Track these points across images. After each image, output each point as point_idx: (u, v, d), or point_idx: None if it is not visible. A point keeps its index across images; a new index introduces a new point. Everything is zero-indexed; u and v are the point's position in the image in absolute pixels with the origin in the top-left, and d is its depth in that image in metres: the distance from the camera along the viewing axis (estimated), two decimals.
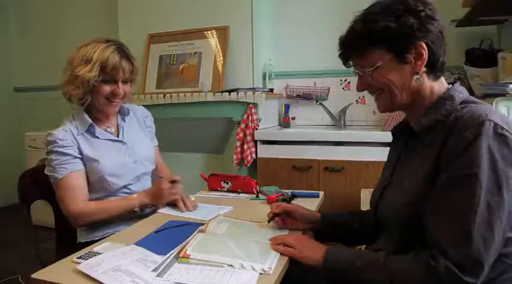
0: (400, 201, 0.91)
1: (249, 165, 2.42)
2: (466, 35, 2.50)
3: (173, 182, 1.39)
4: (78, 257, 0.96)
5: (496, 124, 0.78)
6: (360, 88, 0.99)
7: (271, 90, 2.82)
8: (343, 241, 1.20)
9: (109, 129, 1.50)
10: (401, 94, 0.92)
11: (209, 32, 2.73)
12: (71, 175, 1.36)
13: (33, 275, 0.88)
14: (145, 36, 2.86)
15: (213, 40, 2.72)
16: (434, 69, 0.91)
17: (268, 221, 1.17)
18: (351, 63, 0.98)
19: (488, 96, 1.82)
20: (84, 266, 0.89)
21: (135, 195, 1.39)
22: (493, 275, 0.78)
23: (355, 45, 0.94)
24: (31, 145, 3.35)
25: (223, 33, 2.68)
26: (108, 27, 3.45)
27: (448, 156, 0.81)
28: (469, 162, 0.76)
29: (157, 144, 1.70)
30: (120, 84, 1.41)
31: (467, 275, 0.72)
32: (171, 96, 2.56)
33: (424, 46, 0.87)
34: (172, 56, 2.78)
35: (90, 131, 1.44)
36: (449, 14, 2.39)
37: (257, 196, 1.55)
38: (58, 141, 1.37)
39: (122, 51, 1.40)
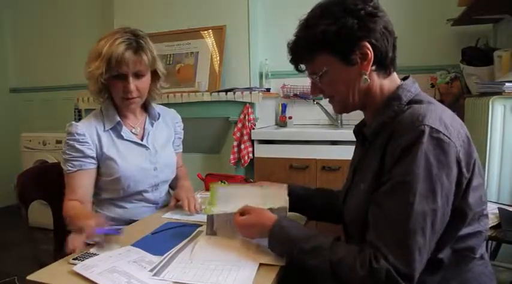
0: (358, 209, 0.92)
1: (246, 165, 2.41)
2: (462, 34, 2.51)
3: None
4: (74, 258, 0.95)
5: (431, 128, 0.77)
6: (312, 93, 1.00)
7: (268, 89, 2.82)
8: (305, 214, 1.25)
9: (134, 130, 1.45)
10: (352, 96, 0.93)
11: (205, 31, 2.72)
12: (76, 174, 1.32)
13: (29, 277, 0.87)
14: None
15: (209, 40, 2.71)
16: (383, 66, 0.91)
17: None
18: (302, 67, 0.98)
19: (484, 95, 1.82)
20: (80, 267, 0.88)
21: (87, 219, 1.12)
22: (457, 270, 0.81)
23: (301, 52, 0.94)
24: (27, 146, 3.33)
25: (219, 32, 2.68)
26: (103, 27, 3.44)
27: (388, 161, 0.82)
28: (405, 168, 0.77)
29: (181, 150, 1.65)
30: (130, 79, 1.31)
31: (405, 279, 0.74)
32: (167, 96, 2.55)
33: (368, 45, 0.86)
34: (168, 56, 2.77)
35: (116, 129, 1.40)
36: (445, 13, 2.40)
37: None
38: (75, 135, 1.33)
39: (133, 42, 1.30)
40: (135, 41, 1.30)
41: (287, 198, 1.12)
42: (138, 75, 1.33)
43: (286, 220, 0.97)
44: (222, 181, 1.63)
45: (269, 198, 1.12)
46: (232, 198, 1.13)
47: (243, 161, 2.41)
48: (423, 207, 0.75)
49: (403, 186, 0.77)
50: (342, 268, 0.80)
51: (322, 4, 0.91)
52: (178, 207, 1.39)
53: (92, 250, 1.00)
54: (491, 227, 1.33)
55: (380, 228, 0.79)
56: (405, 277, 0.73)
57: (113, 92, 1.36)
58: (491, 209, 1.44)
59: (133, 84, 1.32)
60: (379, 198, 0.81)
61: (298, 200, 1.19)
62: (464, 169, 0.80)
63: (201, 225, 1.18)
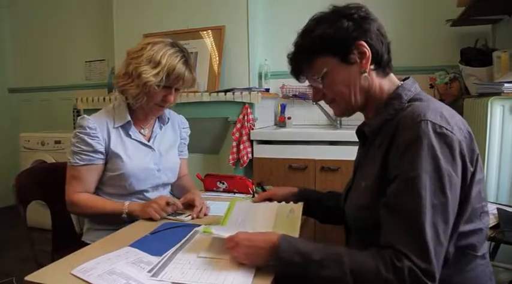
0: (358, 203, 0.94)
1: (245, 165, 2.41)
2: (461, 35, 2.51)
3: (168, 204, 1.30)
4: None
5: (434, 124, 0.79)
6: (315, 98, 1.02)
7: (267, 90, 2.81)
8: (317, 217, 1.25)
9: (143, 130, 1.48)
10: (354, 96, 0.95)
11: (205, 32, 2.72)
12: (83, 168, 1.34)
13: (27, 278, 0.86)
14: (140, 36, 2.85)
15: (208, 40, 2.71)
16: (380, 66, 0.94)
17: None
18: (303, 78, 1.01)
19: (483, 95, 1.83)
20: (79, 270, 0.88)
21: (128, 202, 1.33)
22: (459, 267, 0.81)
23: (301, 58, 0.98)
24: (25, 146, 3.32)
25: (218, 33, 2.68)
26: (103, 27, 3.44)
27: (393, 157, 0.83)
28: (412, 163, 0.78)
29: (187, 157, 1.69)
30: (173, 90, 1.40)
31: (427, 277, 0.73)
32: None
33: (365, 44, 0.90)
34: None
35: (125, 127, 1.42)
36: (444, 13, 2.41)
37: (253, 196, 1.54)
38: (87, 129, 1.35)
39: (187, 61, 1.39)
40: (188, 59, 1.39)
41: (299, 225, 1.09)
42: (178, 89, 1.42)
43: (290, 236, 0.90)
44: (221, 182, 1.63)
45: (280, 225, 1.10)
46: (244, 217, 1.16)
47: (242, 161, 2.41)
48: (433, 200, 0.76)
49: (412, 181, 0.77)
50: (364, 273, 0.76)
51: (317, 15, 0.97)
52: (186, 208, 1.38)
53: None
54: (490, 228, 1.33)
55: (394, 227, 0.78)
56: (425, 272, 0.73)
57: (151, 98, 1.38)
58: (491, 209, 1.44)
59: (173, 96, 1.41)
60: (389, 198, 0.82)
61: (310, 203, 1.19)
62: (468, 163, 0.81)
63: (199, 225, 1.18)
